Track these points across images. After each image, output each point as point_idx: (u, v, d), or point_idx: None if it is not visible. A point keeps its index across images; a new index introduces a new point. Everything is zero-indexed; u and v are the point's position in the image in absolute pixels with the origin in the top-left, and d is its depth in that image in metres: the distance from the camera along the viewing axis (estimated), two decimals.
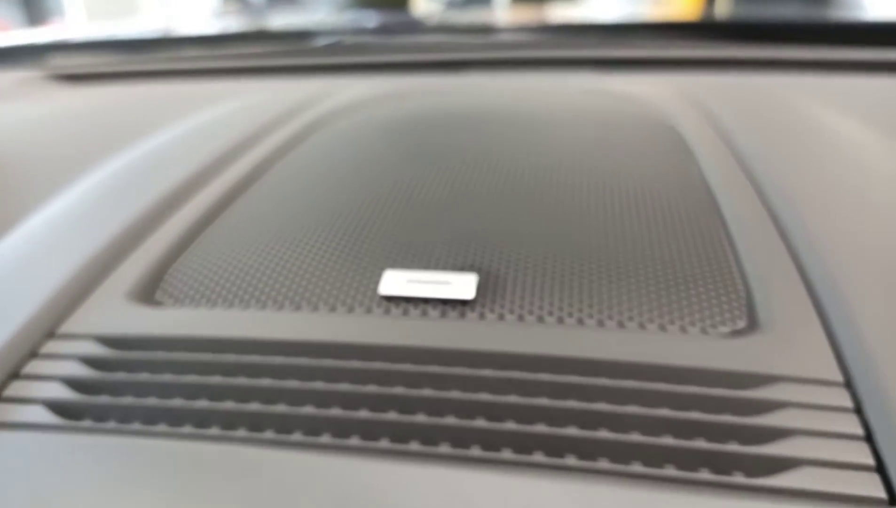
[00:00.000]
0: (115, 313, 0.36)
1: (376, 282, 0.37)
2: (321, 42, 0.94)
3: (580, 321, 0.33)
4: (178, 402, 0.31)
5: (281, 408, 0.30)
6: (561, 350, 0.31)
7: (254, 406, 0.30)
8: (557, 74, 0.79)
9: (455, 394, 0.30)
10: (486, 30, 1.03)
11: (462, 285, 0.35)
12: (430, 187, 0.46)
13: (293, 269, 0.38)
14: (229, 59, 0.92)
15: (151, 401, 0.31)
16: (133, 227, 0.43)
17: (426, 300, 0.35)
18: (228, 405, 0.30)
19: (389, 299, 0.35)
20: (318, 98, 0.69)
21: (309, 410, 0.30)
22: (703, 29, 0.90)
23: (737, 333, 0.32)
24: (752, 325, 0.33)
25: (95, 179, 0.52)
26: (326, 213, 0.44)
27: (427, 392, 0.30)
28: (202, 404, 0.31)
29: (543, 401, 0.29)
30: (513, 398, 0.30)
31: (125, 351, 0.34)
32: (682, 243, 0.39)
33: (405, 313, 0.34)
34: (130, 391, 0.32)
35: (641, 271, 0.36)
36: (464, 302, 0.35)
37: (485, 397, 0.30)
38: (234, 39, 1.03)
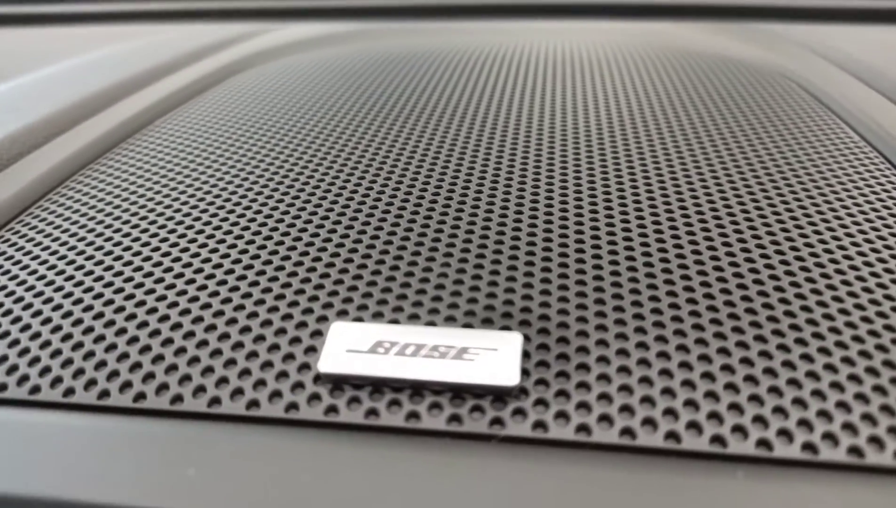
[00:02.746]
0: None
1: (314, 344, 0.18)
2: None
3: (767, 446, 0.15)
4: None
5: None
6: None
7: None
8: (569, 22, 0.61)
9: None
10: None
11: (494, 357, 0.17)
12: (424, 161, 0.27)
13: (144, 309, 0.19)
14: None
15: None
16: None
17: (416, 389, 0.16)
18: None
19: (338, 382, 0.17)
20: (240, 38, 0.49)
21: None
22: None
23: None
24: None
25: None
26: (225, 200, 0.25)
27: None
28: None
29: None
30: None
31: None
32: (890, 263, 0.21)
33: (370, 416, 0.16)
34: None
35: (843, 327, 0.18)
36: (500, 395, 0.16)
37: None
38: None
